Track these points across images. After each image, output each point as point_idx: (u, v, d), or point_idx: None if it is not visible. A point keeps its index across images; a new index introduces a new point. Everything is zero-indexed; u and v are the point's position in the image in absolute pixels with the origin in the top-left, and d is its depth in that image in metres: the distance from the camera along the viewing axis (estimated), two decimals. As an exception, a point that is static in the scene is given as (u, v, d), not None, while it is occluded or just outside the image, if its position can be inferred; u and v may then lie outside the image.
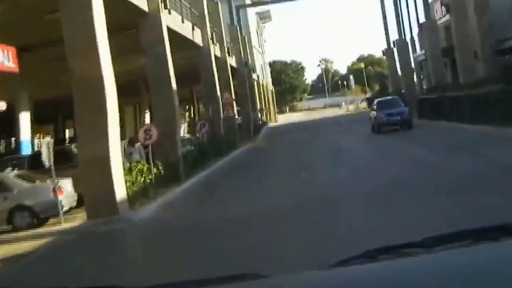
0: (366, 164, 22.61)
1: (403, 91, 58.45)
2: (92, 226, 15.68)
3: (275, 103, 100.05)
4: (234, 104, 47.64)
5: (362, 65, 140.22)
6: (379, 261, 1.88)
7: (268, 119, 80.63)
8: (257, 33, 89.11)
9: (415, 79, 58.95)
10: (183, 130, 55.28)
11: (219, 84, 41.41)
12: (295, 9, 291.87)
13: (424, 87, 56.26)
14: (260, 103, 73.86)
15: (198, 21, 34.80)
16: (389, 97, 44.30)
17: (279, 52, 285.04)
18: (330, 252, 8.68)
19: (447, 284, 1.51)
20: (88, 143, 16.29)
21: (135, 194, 18.55)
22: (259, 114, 70.56)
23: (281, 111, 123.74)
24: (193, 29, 32.66)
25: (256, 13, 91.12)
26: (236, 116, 56.20)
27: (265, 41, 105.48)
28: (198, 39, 34.65)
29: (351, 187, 16.40)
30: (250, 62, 62.54)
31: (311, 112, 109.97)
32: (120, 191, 16.80)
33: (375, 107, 38.36)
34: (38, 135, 48.23)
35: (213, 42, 36.94)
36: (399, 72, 61.62)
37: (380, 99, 43.40)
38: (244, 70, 55.10)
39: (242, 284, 1.90)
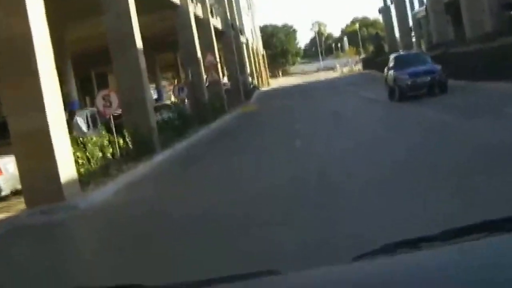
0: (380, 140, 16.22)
1: (400, 51, 55.13)
2: (27, 217, 12.55)
3: (266, 67, 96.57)
4: (221, 68, 44.62)
5: (357, 26, 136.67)
6: (396, 254, 1.81)
7: (260, 83, 77.34)
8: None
9: (413, 38, 55.40)
10: (172, 97, 52.35)
11: (202, 46, 38.27)
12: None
13: (423, 46, 52.81)
14: (251, 67, 70.61)
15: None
16: (413, 51, 35.19)
17: (270, 16, 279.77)
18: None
19: (466, 277, 1.45)
20: (19, 115, 13.05)
21: (90, 173, 15.43)
22: (250, 79, 67.41)
23: (273, 75, 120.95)
24: (168, -16, 29.26)
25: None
26: (226, 81, 53.43)
27: (255, 4, 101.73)
28: (175, -4, 31.27)
29: (361, 167, 12.86)
30: (237, 24, 59.11)
31: (304, 76, 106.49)
32: (68, 171, 13.66)
33: (391, 64, 28.78)
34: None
35: (192, 1, 33.46)
36: (396, 32, 58.35)
37: (399, 53, 33.65)
38: (231, 32, 51.69)
39: (258, 282, 1.84)
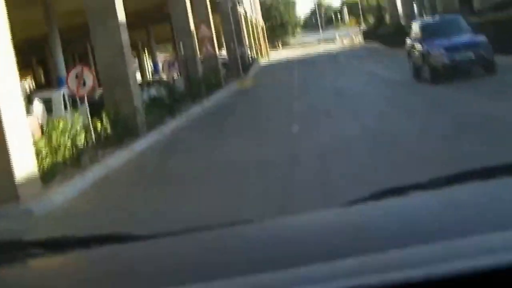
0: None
1: (402, 24, 52.52)
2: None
3: (266, 39, 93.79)
4: (217, 40, 42.19)
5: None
6: (384, 201, 1.85)
7: (259, 56, 74.71)
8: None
9: (416, 9, 52.54)
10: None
11: (196, 18, 35.82)
12: None
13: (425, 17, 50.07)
14: (249, 39, 67.97)
15: None
16: (447, 16, 25.56)
17: None
18: None
19: (453, 221, 1.47)
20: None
21: (56, 166, 13.08)
22: (249, 51, 64.82)
23: (273, 47, 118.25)
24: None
25: None
26: (224, 54, 50.97)
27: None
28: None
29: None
30: (235, -5, 56.40)
31: (304, 47, 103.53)
32: (25, 166, 11.39)
33: (418, 34, 21.93)
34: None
35: (185, -32, 30.81)
36: (398, 2, 55.80)
37: (429, 20, 25.99)
38: (228, 2, 49.04)
39: (242, 228, 1.89)
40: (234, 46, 48.13)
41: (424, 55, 20.41)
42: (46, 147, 12.78)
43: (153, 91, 26.11)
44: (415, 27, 22.99)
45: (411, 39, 23.05)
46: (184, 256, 1.59)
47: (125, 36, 19.15)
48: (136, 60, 64.69)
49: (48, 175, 12.46)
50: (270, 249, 1.47)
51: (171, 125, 20.99)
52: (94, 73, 16.87)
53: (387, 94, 20.37)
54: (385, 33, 52.72)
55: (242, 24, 63.64)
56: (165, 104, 23.84)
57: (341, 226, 1.63)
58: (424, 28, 21.95)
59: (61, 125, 13.50)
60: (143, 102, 21.61)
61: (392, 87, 22.25)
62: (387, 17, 62.42)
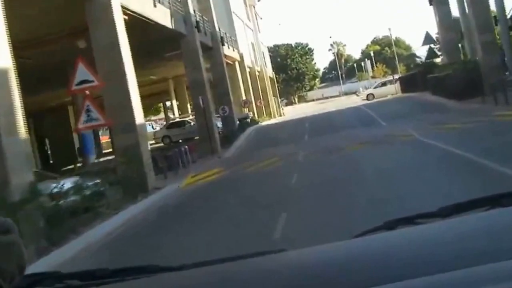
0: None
1: (473, 59, 32.27)
2: None
3: (277, 93, 73.38)
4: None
5: (378, 47, 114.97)
6: (396, 230, 1.82)
7: (264, 115, 54.42)
8: (245, 2, 62.57)
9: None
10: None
11: (99, 55, 16.59)
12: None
13: None
14: (248, 94, 47.82)
15: None
16: None
17: (283, 38, 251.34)
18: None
19: (463, 248, 1.42)
20: None
21: None
22: (246, 111, 44.83)
23: (289, 102, 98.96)
24: None
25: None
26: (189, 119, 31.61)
27: (261, 18, 78.76)
28: None
29: None
30: (218, 30, 36.45)
31: (324, 102, 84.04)
32: None
33: None
34: None
35: None
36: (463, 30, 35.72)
37: None
38: (195, 36, 28.96)
39: (264, 259, 1.86)
40: (205, 105, 27.97)
41: None
42: None
43: None
44: None
45: None
46: (213, 286, 1.60)
47: None
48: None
49: None
50: (293, 278, 1.47)
51: None
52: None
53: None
54: (443, 78, 32.20)
55: (236, 72, 43.90)
56: None
57: (356, 256, 1.59)
58: None
59: None
60: None
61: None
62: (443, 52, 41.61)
